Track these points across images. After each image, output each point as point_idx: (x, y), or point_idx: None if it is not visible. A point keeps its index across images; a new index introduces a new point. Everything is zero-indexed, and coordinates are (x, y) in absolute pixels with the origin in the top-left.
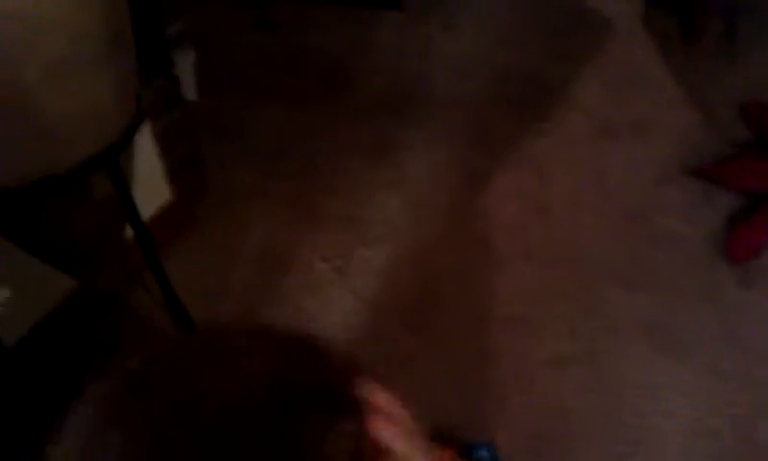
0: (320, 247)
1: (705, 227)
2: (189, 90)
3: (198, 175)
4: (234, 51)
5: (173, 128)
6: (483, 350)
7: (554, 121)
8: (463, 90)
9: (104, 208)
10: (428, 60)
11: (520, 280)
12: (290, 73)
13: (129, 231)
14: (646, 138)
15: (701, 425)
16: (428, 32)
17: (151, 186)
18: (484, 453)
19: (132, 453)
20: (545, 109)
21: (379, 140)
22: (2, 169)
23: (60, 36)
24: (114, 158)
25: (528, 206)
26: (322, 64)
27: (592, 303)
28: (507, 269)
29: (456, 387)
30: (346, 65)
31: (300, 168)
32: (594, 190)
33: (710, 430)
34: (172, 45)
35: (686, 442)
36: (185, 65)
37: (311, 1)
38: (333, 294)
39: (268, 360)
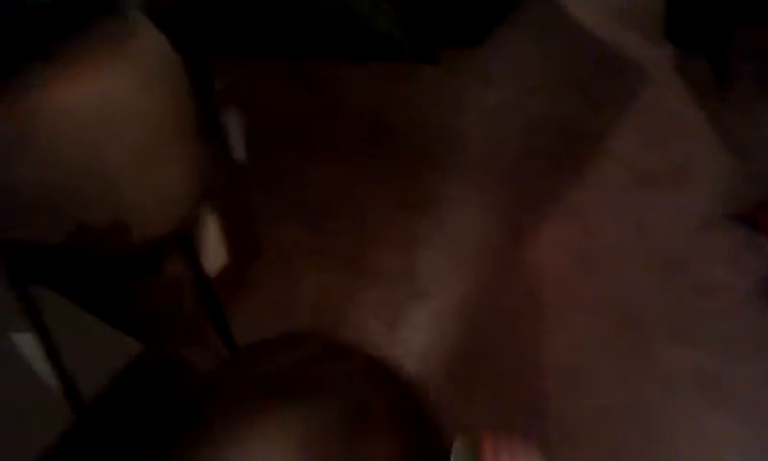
0: (370, 303)
1: (750, 273)
2: (238, 151)
3: (251, 235)
4: (275, 108)
5: (226, 191)
6: (530, 402)
7: (591, 171)
8: (499, 141)
9: (170, 278)
10: (464, 111)
11: (567, 332)
12: (331, 128)
13: (190, 296)
14: (685, 186)
15: None
16: (463, 83)
17: (210, 251)
18: None
19: None
20: (582, 159)
21: (421, 193)
22: (77, 249)
23: (140, 125)
24: (186, 234)
25: (572, 257)
26: (361, 119)
27: (641, 354)
28: (553, 321)
29: None
30: (385, 120)
31: (346, 223)
32: (637, 240)
33: None
34: (221, 102)
35: None
36: (232, 126)
37: (348, 58)
38: (384, 348)
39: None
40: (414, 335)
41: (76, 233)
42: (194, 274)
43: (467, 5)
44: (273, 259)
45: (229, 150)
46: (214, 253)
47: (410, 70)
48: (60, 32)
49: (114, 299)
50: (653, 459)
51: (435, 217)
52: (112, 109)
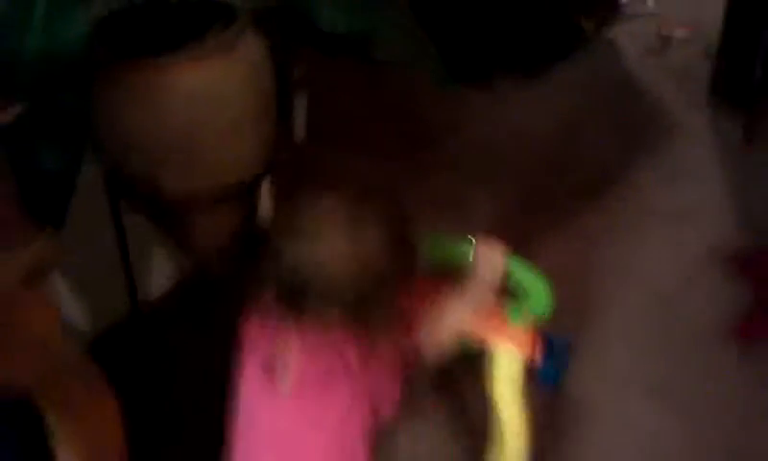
0: None
1: (724, 309)
2: (299, 131)
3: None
4: (340, 102)
5: (286, 167)
6: None
7: (610, 200)
8: (530, 165)
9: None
10: (507, 135)
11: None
12: (385, 129)
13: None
14: (688, 225)
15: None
16: (511, 112)
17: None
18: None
19: None
20: (604, 190)
21: (452, 195)
22: (169, 186)
23: (230, 106)
24: (249, 191)
25: (572, 265)
26: (413, 128)
27: (602, 356)
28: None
29: None
30: (432, 132)
31: None
32: (634, 263)
33: None
34: (294, 88)
35: None
36: (299, 111)
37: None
38: None
39: None
40: None
41: (169, 176)
42: (250, 222)
43: (530, 40)
44: None
45: (292, 129)
46: (266, 210)
47: (463, 92)
48: (191, 31)
49: (181, 227)
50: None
51: (463, 219)
52: (218, 94)
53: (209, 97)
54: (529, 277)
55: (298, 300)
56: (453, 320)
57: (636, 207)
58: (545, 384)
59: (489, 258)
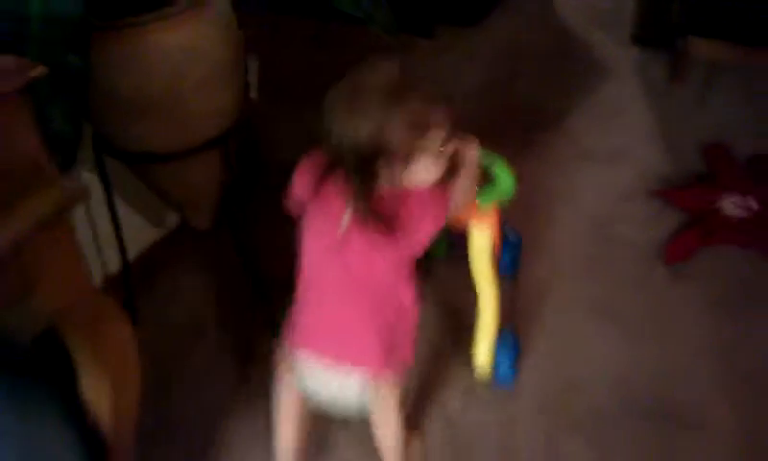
0: None
1: (653, 235)
2: (253, 91)
3: (257, 158)
4: (290, 61)
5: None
6: None
7: (544, 145)
8: (473, 111)
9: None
10: (451, 83)
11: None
12: (333, 82)
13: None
14: (618, 164)
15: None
16: (453, 60)
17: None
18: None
19: None
20: (538, 135)
21: None
22: (154, 139)
23: (206, 59)
24: (228, 138)
25: (511, 208)
26: None
27: (552, 285)
28: None
29: None
30: None
31: None
32: (569, 199)
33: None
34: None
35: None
36: (251, 71)
37: (356, 24)
38: None
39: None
40: None
41: (153, 128)
42: (227, 169)
43: None
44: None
45: (248, 89)
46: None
47: (408, 41)
48: None
49: (164, 177)
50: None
51: None
52: (192, 50)
53: (186, 52)
54: (495, 162)
55: (344, 161)
56: (462, 186)
57: (570, 150)
58: (503, 274)
59: (466, 144)
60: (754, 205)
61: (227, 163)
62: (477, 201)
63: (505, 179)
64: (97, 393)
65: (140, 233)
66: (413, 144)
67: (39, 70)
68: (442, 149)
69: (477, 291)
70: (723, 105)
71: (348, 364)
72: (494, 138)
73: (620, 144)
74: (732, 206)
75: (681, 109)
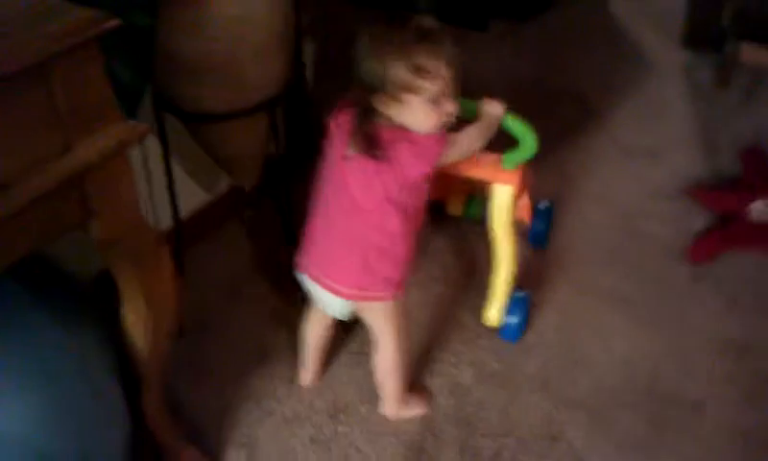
0: None
1: (679, 233)
2: (309, 74)
3: (309, 139)
4: (345, 46)
5: (296, 100)
6: None
7: (586, 138)
8: (514, 101)
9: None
10: (497, 74)
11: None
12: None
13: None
14: (655, 163)
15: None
16: (504, 52)
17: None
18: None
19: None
20: (581, 128)
21: None
22: (210, 100)
23: (260, 30)
24: (277, 104)
25: (544, 195)
26: None
27: (574, 273)
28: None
29: None
30: None
31: None
32: (602, 191)
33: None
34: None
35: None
36: (308, 53)
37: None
38: None
39: None
40: None
41: (210, 89)
42: (273, 135)
43: None
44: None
45: (303, 67)
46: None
47: (462, 33)
48: None
49: (215, 137)
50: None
51: None
52: (250, 17)
53: (243, 21)
54: (521, 127)
55: (372, 93)
56: (469, 135)
57: (610, 144)
58: (534, 244)
59: (493, 105)
60: None
61: (272, 128)
62: (501, 160)
63: (529, 141)
64: (136, 321)
65: (192, 196)
66: (408, 84)
67: (113, 23)
68: (437, 98)
69: (494, 249)
70: (766, 111)
71: (331, 283)
72: (533, 126)
73: (658, 143)
74: (760, 210)
75: (723, 114)
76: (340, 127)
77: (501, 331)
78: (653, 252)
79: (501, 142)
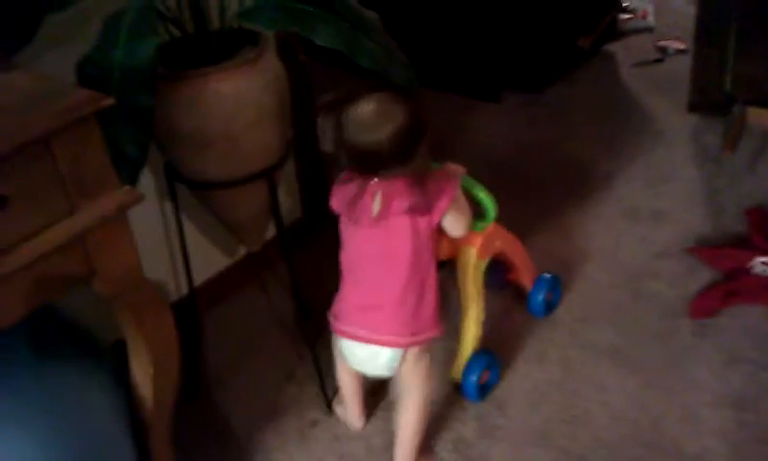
0: None
1: (682, 291)
2: (327, 144)
3: (323, 204)
4: None
5: (311, 168)
6: None
7: (591, 201)
8: (528, 168)
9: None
10: (508, 143)
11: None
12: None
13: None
14: (660, 225)
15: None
16: (515, 122)
17: (289, 203)
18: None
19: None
20: (589, 191)
21: None
22: (212, 169)
23: (252, 106)
24: (271, 173)
25: (551, 258)
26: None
27: (577, 330)
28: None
29: None
30: (444, 138)
31: None
32: (607, 252)
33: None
34: (322, 110)
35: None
36: (326, 125)
37: (427, 87)
38: None
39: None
40: None
41: (210, 160)
42: (273, 206)
43: (535, 60)
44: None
45: (317, 139)
46: (292, 207)
47: (474, 104)
48: (225, 51)
49: (220, 203)
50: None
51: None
52: (243, 96)
53: (239, 98)
54: (481, 191)
55: (362, 164)
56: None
57: (617, 207)
58: (533, 313)
59: (454, 167)
60: None
61: (272, 194)
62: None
63: (488, 205)
64: (142, 374)
65: (212, 260)
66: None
67: (107, 101)
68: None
69: (463, 308)
70: None
71: (378, 340)
72: (542, 191)
73: (665, 206)
74: (762, 267)
75: (729, 176)
76: (351, 199)
77: (463, 391)
78: (656, 309)
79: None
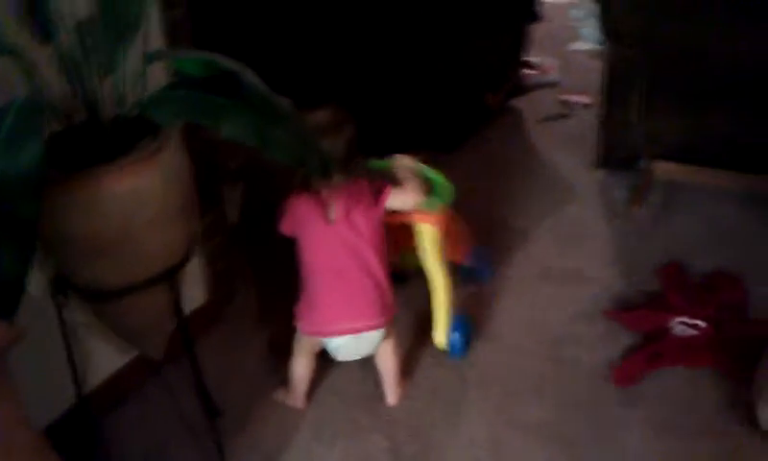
0: None
1: (603, 356)
2: (233, 214)
3: (230, 284)
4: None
5: (217, 248)
6: None
7: (505, 264)
8: None
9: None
10: None
11: None
12: None
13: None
14: (575, 285)
15: None
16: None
17: (194, 292)
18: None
19: None
20: (502, 251)
21: None
22: (108, 276)
23: (154, 204)
24: (175, 274)
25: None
26: None
27: (500, 406)
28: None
29: None
30: None
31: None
32: (524, 317)
33: None
34: (227, 179)
35: None
36: (233, 195)
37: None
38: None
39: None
40: None
41: (107, 266)
42: (175, 305)
43: (443, 119)
44: (246, 304)
45: (225, 214)
46: (195, 293)
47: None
48: (121, 146)
49: (118, 312)
50: None
51: None
52: (142, 194)
53: (137, 197)
54: (436, 175)
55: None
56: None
57: (529, 269)
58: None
59: (404, 159)
60: (702, 324)
61: (175, 297)
62: (423, 204)
63: (443, 186)
64: None
65: (110, 358)
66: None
67: None
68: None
69: (430, 281)
70: (681, 225)
71: (369, 326)
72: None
73: (578, 265)
74: (681, 327)
75: (639, 230)
76: (305, 214)
77: (451, 352)
78: (579, 378)
79: None
